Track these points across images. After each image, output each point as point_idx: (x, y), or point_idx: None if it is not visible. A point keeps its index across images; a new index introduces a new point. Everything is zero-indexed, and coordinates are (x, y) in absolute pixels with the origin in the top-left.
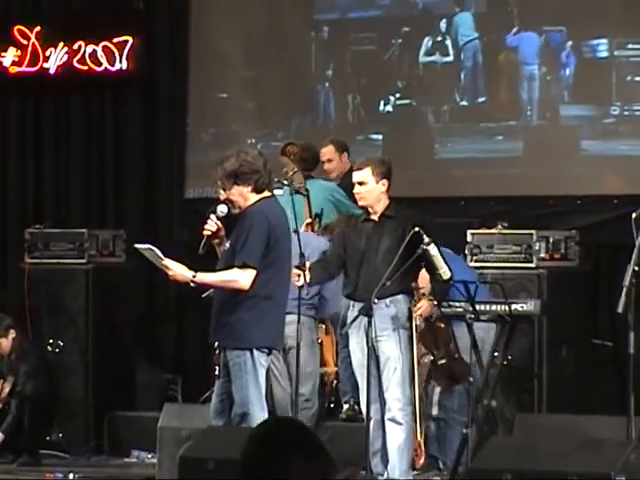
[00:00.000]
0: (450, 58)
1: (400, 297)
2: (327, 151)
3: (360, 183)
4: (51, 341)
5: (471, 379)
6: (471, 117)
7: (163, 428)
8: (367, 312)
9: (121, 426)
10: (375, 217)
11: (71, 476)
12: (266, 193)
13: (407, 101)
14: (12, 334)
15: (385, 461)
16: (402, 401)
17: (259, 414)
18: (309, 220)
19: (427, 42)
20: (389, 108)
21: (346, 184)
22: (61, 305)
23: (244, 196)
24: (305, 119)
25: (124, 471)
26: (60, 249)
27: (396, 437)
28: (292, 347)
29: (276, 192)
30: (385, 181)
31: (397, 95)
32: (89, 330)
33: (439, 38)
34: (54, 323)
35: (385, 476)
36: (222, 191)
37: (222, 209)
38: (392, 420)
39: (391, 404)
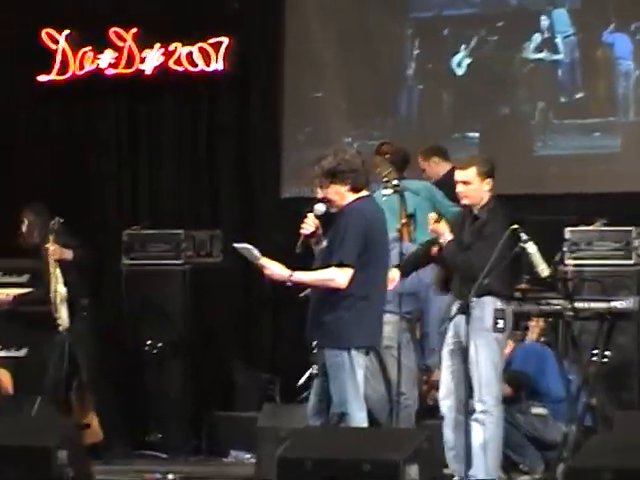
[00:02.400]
0: (549, 55)
1: (487, 299)
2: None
3: (464, 182)
4: (149, 342)
5: (571, 377)
6: (569, 113)
7: (261, 428)
8: (463, 310)
9: (219, 426)
10: (476, 214)
11: (170, 476)
12: (363, 192)
13: (504, 98)
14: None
15: (459, 460)
16: (488, 403)
17: (357, 414)
18: (404, 220)
19: (526, 39)
20: (485, 106)
21: (443, 183)
22: (158, 306)
23: (341, 195)
24: (400, 118)
25: (222, 471)
26: (157, 250)
27: (478, 437)
28: (388, 347)
29: (384, 192)
30: (489, 180)
31: (493, 93)
32: (187, 331)
33: (537, 35)
34: (151, 324)
35: (460, 475)
36: (319, 190)
37: (319, 208)
38: (476, 421)
39: (477, 405)
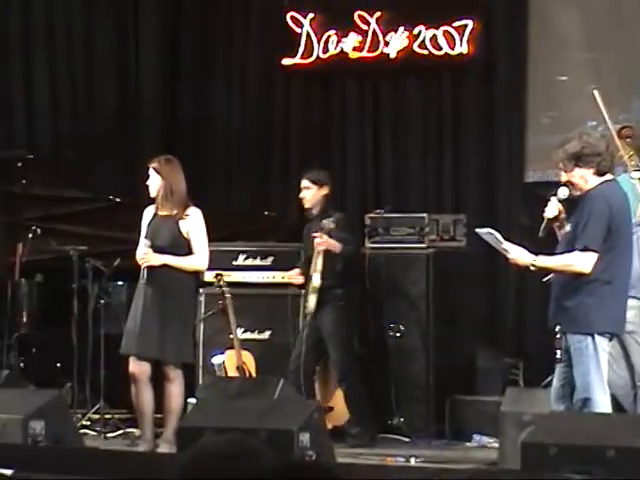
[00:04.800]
0: None
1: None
2: None
3: None
4: (392, 325)
5: None
6: None
7: (505, 412)
8: None
9: (462, 410)
10: None
11: (412, 460)
12: (608, 176)
13: None
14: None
15: None
16: None
17: (601, 399)
18: None
19: None
20: None
21: None
22: (401, 290)
23: (585, 179)
24: None
25: (465, 455)
26: (400, 234)
27: None
28: (631, 332)
29: (634, 175)
30: None
31: None
32: (429, 315)
33: None
34: (395, 308)
35: None
36: (563, 174)
37: (563, 192)
38: None
39: None
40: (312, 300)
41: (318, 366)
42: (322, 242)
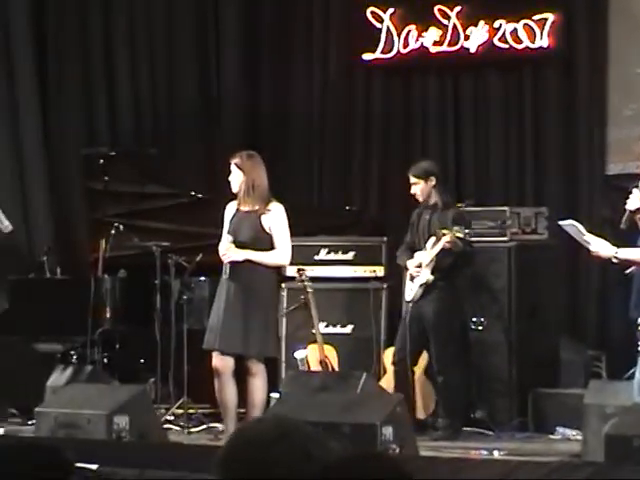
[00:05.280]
0: None
1: None
2: None
3: None
4: (474, 319)
5: None
6: None
7: (588, 405)
8: None
9: (545, 403)
10: None
11: (496, 453)
12: None
13: None
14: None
15: None
16: None
17: None
18: None
19: None
20: None
21: None
22: (484, 283)
23: None
24: None
25: (549, 448)
26: (482, 227)
27: None
28: None
29: None
30: None
31: None
32: (512, 308)
33: None
34: (477, 301)
35: None
36: None
37: None
38: None
39: None
40: (419, 293)
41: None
42: (449, 241)
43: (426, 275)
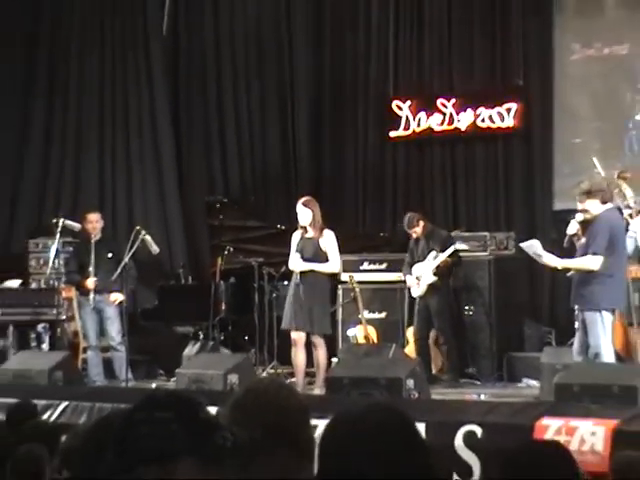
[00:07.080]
0: None
1: None
2: None
3: None
4: (466, 307)
5: None
6: None
7: (543, 364)
8: None
9: (515, 363)
10: None
11: (482, 396)
12: (609, 205)
13: None
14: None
15: None
16: None
17: (607, 354)
18: None
19: None
20: None
21: None
22: (472, 284)
23: (594, 207)
24: None
25: (518, 392)
26: (470, 246)
27: None
28: None
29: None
30: None
31: None
32: (491, 300)
33: None
34: (467, 296)
35: None
36: (579, 203)
37: (579, 216)
38: None
39: None
40: (424, 290)
41: (427, 333)
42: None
43: (431, 277)
